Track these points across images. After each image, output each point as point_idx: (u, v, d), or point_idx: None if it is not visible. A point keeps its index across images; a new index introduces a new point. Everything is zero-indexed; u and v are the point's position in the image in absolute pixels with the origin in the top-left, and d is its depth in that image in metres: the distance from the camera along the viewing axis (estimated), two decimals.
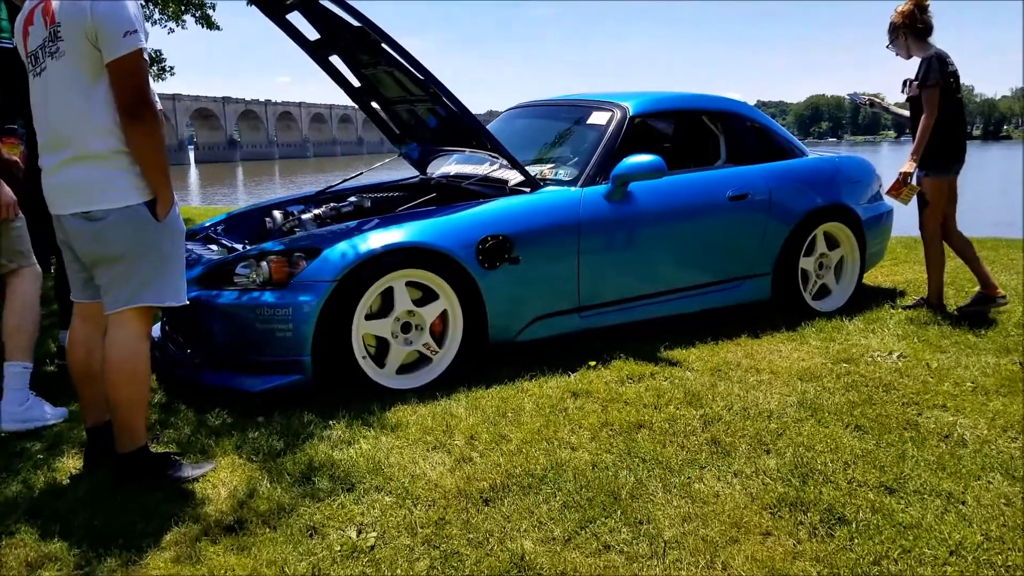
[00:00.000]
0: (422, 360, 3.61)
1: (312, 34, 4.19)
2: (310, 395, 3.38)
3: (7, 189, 3.21)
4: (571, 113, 4.54)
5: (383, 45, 3.68)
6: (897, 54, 4.66)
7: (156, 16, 9.57)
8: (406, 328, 3.52)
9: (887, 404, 3.29)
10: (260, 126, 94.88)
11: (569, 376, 3.67)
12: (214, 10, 9.42)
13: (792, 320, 4.52)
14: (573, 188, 3.99)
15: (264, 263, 3.39)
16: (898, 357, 3.90)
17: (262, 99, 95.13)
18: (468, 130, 4.03)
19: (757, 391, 3.46)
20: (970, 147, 4.79)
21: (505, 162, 4.02)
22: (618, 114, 4.27)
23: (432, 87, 3.77)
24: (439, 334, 3.62)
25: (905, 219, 5.46)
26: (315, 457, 2.82)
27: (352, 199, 4.32)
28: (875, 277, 5.82)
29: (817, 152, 5.14)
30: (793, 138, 4.95)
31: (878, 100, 5.14)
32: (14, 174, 3.37)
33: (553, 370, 3.73)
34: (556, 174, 4.16)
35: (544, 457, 2.81)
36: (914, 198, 4.55)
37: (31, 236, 3.37)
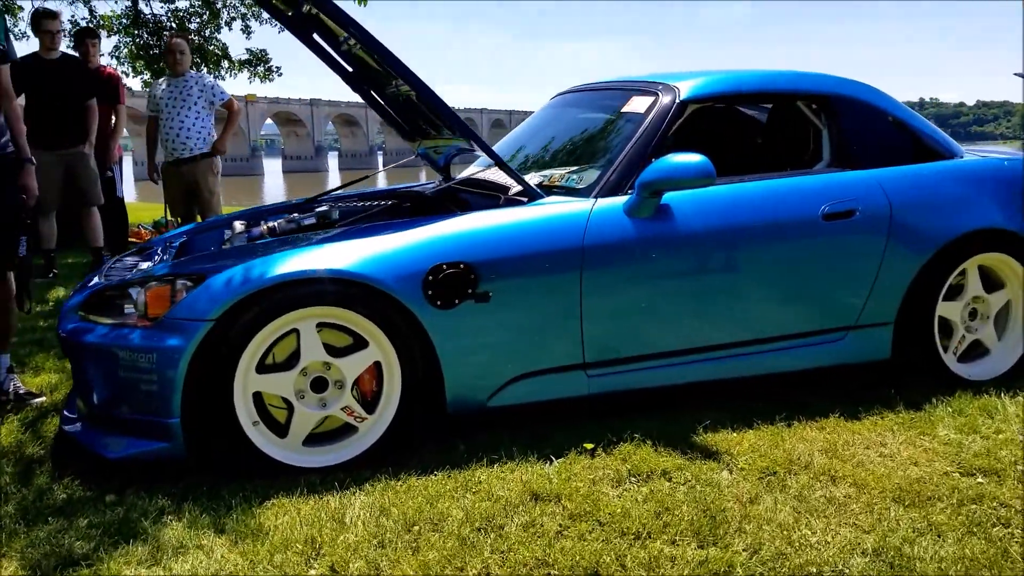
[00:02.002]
0: (349, 428, 2.67)
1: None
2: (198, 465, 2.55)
3: None
4: (611, 100, 3.41)
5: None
6: None
7: (265, 15, 9.38)
8: (320, 385, 2.60)
9: None
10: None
11: (547, 465, 2.59)
12: None
13: (920, 393, 3.15)
14: (583, 199, 2.90)
15: (142, 292, 2.60)
16: None
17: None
18: (438, 120, 3.05)
19: (817, 519, 2.23)
20: None
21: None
22: (664, 99, 3.11)
23: (387, 64, 2.84)
24: (372, 394, 2.67)
25: None
26: None
27: (321, 209, 3.46)
28: None
29: (978, 153, 3.69)
30: (941, 134, 3.54)
31: None
32: None
33: (533, 450, 2.67)
34: (567, 180, 3.08)
35: None
36: None
37: None
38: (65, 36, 7.68)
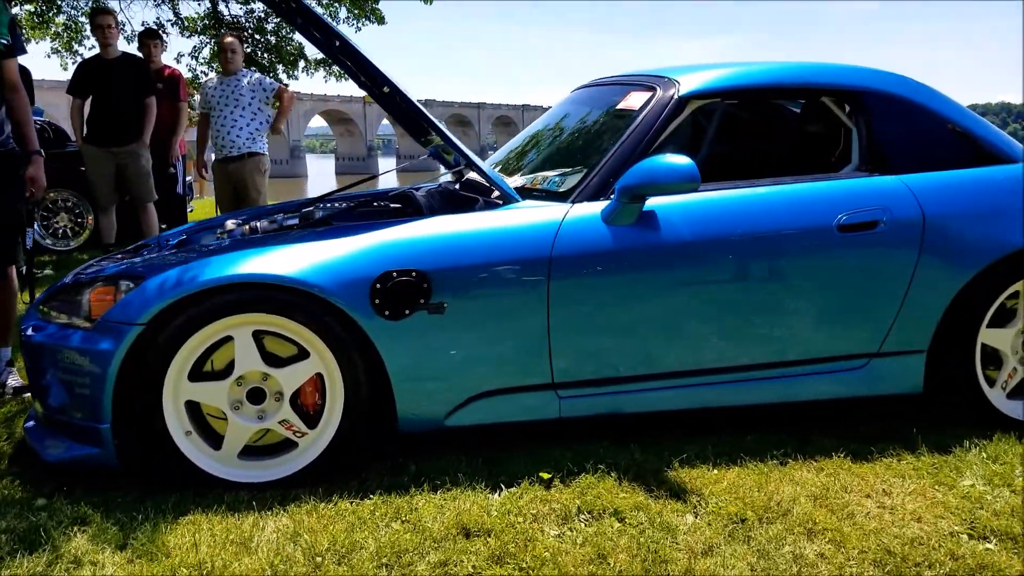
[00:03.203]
0: (291, 443, 2.52)
1: None
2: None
3: None
4: (615, 95, 3.12)
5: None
6: None
7: (343, 15, 9.49)
8: (257, 397, 2.46)
9: None
10: None
11: (494, 494, 2.37)
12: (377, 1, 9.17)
13: (955, 433, 2.74)
14: (559, 204, 2.65)
15: (88, 292, 2.54)
16: None
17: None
18: (413, 118, 2.86)
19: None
20: None
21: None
22: (661, 95, 2.81)
23: (359, 60, 2.70)
24: (316, 408, 2.51)
25: None
26: None
27: (307, 209, 3.33)
28: None
29: None
30: (1002, 136, 3.06)
31: None
32: None
33: (486, 476, 2.46)
34: (549, 183, 2.83)
35: None
36: None
37: None
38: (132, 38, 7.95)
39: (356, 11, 9.35)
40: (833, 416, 2.89)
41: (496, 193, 2.78)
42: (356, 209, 3.12)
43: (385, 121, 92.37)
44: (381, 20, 9.33)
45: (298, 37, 9.57)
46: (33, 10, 9.23)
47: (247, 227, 3.17)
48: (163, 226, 6.34)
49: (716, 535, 2.12)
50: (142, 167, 5.74)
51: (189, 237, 3.52)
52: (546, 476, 2.45)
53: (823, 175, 2.86)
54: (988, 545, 2.06)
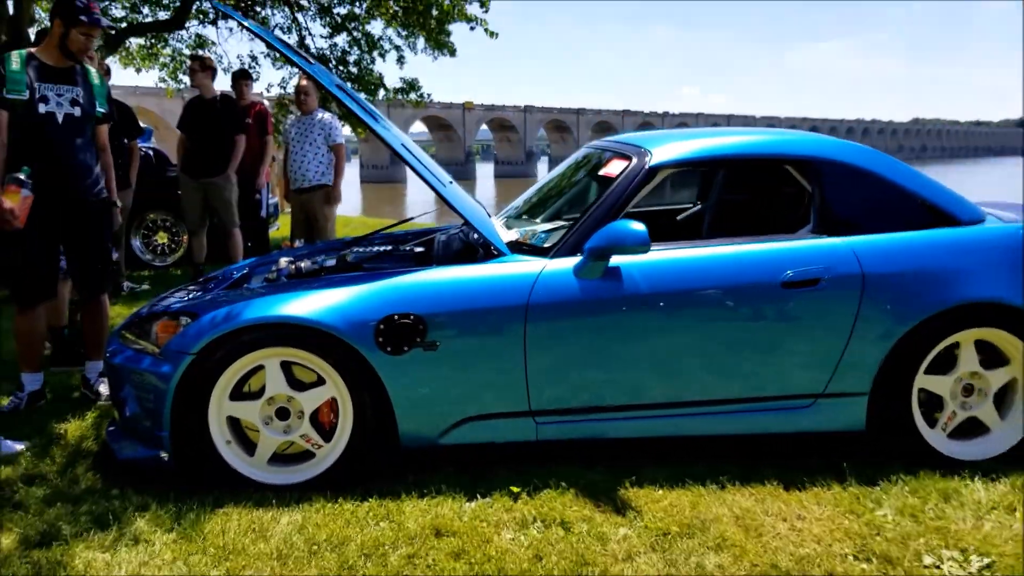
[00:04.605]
0: (310, 453, 3.09)
1: None
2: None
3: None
4: (600, 159, 3.59)
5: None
6: None
7: (422, 46, 10.21)
8: (283, 414, 3.04)
9: None
10: None
11: (470, 502, 2.87)
12: (449, 36, 9.84)
13: (890, 468, 3.07)
14: (539, 259, 3.13)
15: (154, 324, 3.17)
16: (981, 570, 2.39)
17: (660, 111, 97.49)
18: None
19: None
20: None
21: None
22: (635, 164, 3.26)
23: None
24: (331, 425, 3.07)
25: None
26: None
27: (343, 251, 3.91)
28: None
29: (1004, 218, 3.46)
30: (952, 198, 3.35)
31: None
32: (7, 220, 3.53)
33: (468, 488, 2.96)
34: (536, 238, 3.31)
35: None
36: None
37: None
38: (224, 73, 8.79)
39: (432, 43, 10.07)
40: (785, 451, 3.26)
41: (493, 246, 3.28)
42: (382, 255, 3.67)
43: (484, 127, 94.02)
44: (453, 52, 10.05)
45: (378, 67, 10.41)
46: (143, 43, 10.33)
47: (293, 267, 3.77)
48: (248, 244, 7.10)
49: (641, 545, 2.56)
50: (226, 197, 6.50)
51: (250, 271, 4.15)
52: (516, 490, 2.93)
53: (780, 236, 3.25)
54: (865, 566, 2.43)
